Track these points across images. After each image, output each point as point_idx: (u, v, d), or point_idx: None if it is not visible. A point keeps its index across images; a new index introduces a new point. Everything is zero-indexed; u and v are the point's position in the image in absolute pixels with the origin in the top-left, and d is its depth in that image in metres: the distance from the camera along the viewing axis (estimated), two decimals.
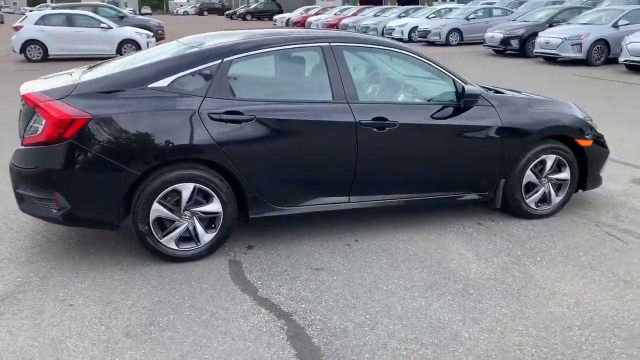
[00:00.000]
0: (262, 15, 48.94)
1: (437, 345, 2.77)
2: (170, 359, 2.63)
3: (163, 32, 21.74)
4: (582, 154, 4.38)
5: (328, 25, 30.32)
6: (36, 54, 15.67)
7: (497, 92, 4.51)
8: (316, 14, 34.51)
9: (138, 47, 16.28)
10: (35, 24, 15.85)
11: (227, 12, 54.34)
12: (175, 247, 3.53)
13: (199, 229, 3.55)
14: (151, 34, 17.31)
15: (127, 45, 16.31)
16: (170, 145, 3.37)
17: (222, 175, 3.52)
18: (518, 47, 16.76)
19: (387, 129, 3.77)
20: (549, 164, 4.30)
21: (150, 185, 3.37)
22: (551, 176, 4.35)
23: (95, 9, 20.61)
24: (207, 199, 3.52)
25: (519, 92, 4.80)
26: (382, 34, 24.78)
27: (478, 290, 3.30)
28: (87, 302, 3.10)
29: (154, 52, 4.05)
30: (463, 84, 4.00)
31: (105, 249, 3.74)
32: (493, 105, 4.09)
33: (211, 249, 3.62)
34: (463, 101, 3.91)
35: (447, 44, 20.73)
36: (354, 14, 29.62)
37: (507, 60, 16.36)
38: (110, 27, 16.28)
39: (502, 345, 2.77)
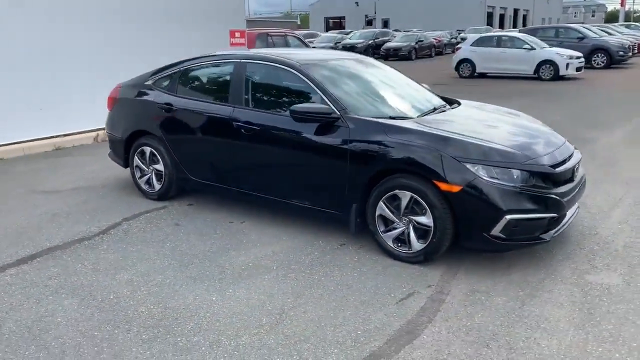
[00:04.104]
0: None
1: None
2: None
3: (625, 54, 20.07)
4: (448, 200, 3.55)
5: None
6: (466, 71, 18.13)
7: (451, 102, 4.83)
8: None
9: (556, 68, 16.32)
10: (471, 45, 18.24)
11: None
12: (145, 188, 5.42)
13: (153, 180, 5.32)
14: (576, 55, 16.71)
15: (545, 66, 16.57)
16: (137, 121, 5.30)
17: (164, 146, 5.14)
18: None
19: (250, 132, 4.43)
20: (404, 201, 3.73)
21: (134, 145, 5.39)
22: (412, 217, 3.74)
23: (557, 30, 21.21)
24: (158, 161, 5.24)
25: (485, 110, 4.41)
26: None
27: (166, 273, 3.87)
28: (79, 213, 5.46)
29: None
30: (328, 102, 4.07)
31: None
32: (349, 127, 3.96)
33: (160, 197, 5.31)
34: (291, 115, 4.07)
35: None
36: None
37: None
38: (533, 49, 16.87)
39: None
